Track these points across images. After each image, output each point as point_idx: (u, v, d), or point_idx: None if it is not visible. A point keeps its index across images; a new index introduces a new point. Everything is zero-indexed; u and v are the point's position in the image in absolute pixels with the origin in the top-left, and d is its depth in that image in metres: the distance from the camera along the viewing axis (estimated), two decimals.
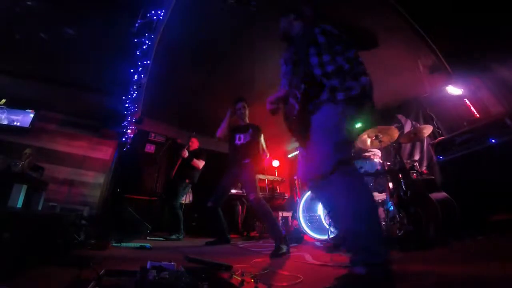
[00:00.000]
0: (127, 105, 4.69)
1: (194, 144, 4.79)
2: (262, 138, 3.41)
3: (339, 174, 1.23)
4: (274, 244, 2.57)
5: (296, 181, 5.85)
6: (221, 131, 3.42)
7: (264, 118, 3.60)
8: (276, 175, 6.66)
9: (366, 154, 4.07)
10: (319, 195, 1.43)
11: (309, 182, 1.41)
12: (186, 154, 4.40)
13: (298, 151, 1.72)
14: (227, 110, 3.51)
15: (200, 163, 4.48)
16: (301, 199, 3.91)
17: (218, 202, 3.36)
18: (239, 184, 4.72)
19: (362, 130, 3.23)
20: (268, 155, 3.46)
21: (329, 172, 1.23)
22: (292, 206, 5.06)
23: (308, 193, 3.91)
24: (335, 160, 1.24)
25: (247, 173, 3.09)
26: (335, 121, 1.31)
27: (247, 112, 3.55)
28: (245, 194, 4.72)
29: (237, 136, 3.37)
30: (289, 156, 7.74)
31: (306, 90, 1.38)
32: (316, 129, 1.36)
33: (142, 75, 3.98)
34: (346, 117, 1.32)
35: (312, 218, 3.90)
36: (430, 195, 2.57)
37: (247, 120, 3.54)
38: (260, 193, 2.98)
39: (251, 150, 3.22)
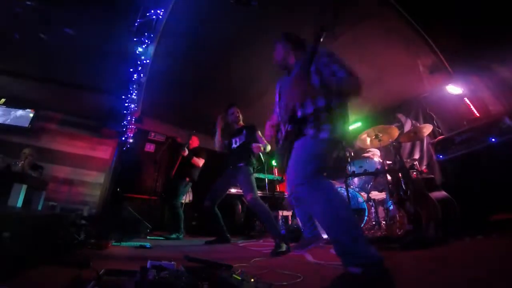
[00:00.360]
0: (126, 104, 4.69)
1: (194, 142, 4.79)
2: (259, 133, 3.39)
3: (314, 184, 1.35)
4: (274, 243, 2.58)
5: None
6: (218, 143, 3.41)
7: (263, 117, 3.62)
8: (276, 174, 6.66)
9: (366, 153, 4.07)
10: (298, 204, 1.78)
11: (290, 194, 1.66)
12: (186, 152, 4.40)
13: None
14: (217, 120, 3.50)
15: (200, 161, 4.49)
16: None
17: (214, 201, 3.39)
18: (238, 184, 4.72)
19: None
20: (268, 147, 3.28)
21: (303, 183, 1.37)
22: (292, 205, 5.06)
23: None
24: (310, 171, 1.38)
25: (242, 176, 3.14)
26: (314, 147, 1.46)
27: (240, 116, 3.60)
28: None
29: (234, 140, 3.43)
30: None
31: (292, 129, 1.56)
32: (296, 149, 1.51)
33: (142, 74, 3.97)
34: (326, 147, 1.48)
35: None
36: (430, 194, 2.57)
37: (242, 123, 3.58)
38: (259, 192, 2.98)
39: (246, 152, 3.24)
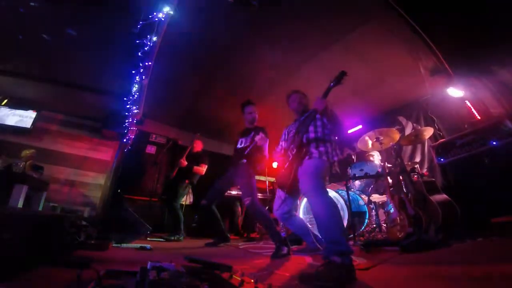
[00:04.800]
0: (128, 106, 4.70)
1: (198, 146, 4.75)
2: (267, 140, 3.17)
3: (319, 192, 1.87)
4: (274, 246, 2.58)
5: None
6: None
7: (263, 119, 3.63)
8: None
9: (367, 156, 4.07)
10: (286, 220, 2.49)
11: (277, 209, 2.44)
12: (185, 163, 4.39)
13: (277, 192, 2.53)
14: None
15: (203, 168, 4.45)
16: (301, 201, 3.90)
17: (212, 201, 3.35)
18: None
19: None
20: (263, 162, 3.29)
21: (312, 190, 1.90)
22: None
23: None
24: (320, 184, 1.93)
25: (242, 174, 3.06)
26: (319, 165, 2.06)
27: (257, 116, 3.44)
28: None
29: (240, 140, 3.36)
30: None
31: (297, 153, 2.16)
32: (309, 167, 2.04)
33: (144, 76, 3.98)
34: (325, 166, 2.09)
35: (313, 220, 3.89)
36: (430, 197, 2.57)
37: (255, 124, 3.44)
38: (260, 195, 2.96)
39: (250, 152, 3.13)
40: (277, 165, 2.41)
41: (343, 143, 5.36)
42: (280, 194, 2.43)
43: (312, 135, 2.23)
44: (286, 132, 2.59)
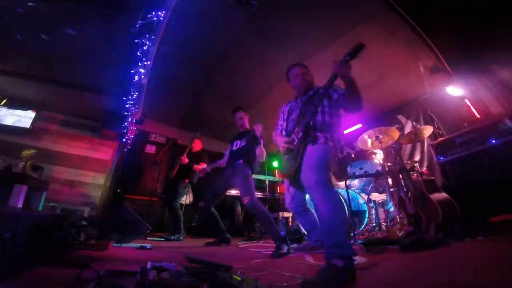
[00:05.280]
0: (127, 105, 4.70)
1: (197, 145, 4.75)
2: (261, 140, 3.31)
3: (323, 188, 1.70)
4: (274, 245, 2.58)
5: None
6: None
7: (263, 118, 3.62)
8: (277, 176, 6.66)
9: (369, 153, 4.08)
10: (300, 213, 2.43)
11: (289, 202, 2.35)
12: (186, 161, 4.39)
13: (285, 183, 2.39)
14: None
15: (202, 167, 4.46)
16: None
17: (210, 203, 3.37)
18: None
19: None
20: (264, 155, 3.40)
21: (315, 185, 1.72)
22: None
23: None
24: (322, 178, 1.73)
25: (240, 175, 3.08)
26: (324, 153, 1.86)
27: (247, 121, 3.57)
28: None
29: (235, 143, 3.42)
30: None
31: (303, 137, 1.91)
32: (312, 156, 1.85)
33: (143, 76, 3.98)
34: (331, 153, 1.90)
35: None
36: (430, 195, 2.57)
37: (247, 127, 3.56)
38: (260, 194, 2.96)
39: (245, 153, 3.19)
40: (281, 151, 2.12)
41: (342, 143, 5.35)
42: (287, 184, 2.30)
43: (319, 116, 1.99)
44: (287, 111, 2.32)
